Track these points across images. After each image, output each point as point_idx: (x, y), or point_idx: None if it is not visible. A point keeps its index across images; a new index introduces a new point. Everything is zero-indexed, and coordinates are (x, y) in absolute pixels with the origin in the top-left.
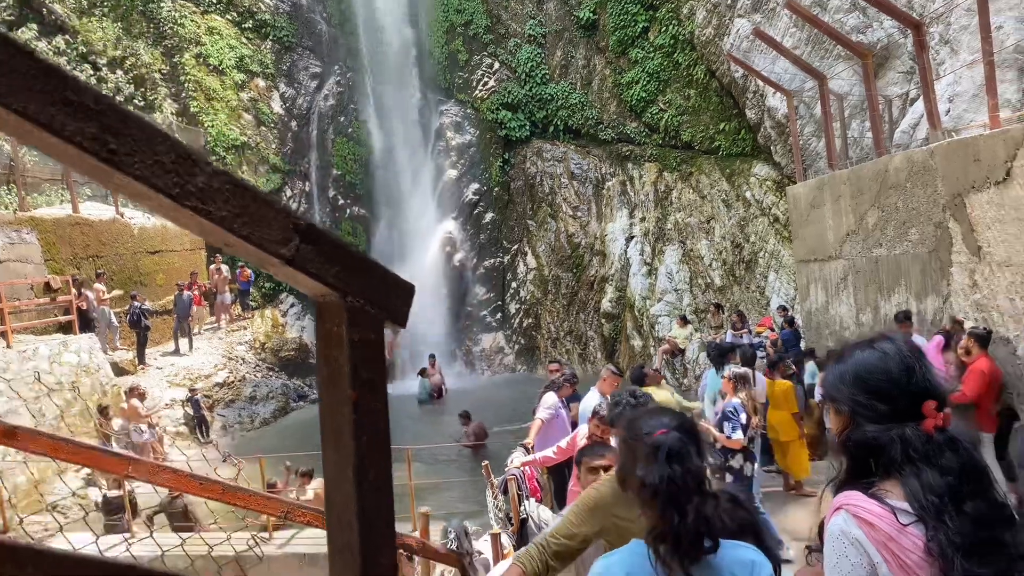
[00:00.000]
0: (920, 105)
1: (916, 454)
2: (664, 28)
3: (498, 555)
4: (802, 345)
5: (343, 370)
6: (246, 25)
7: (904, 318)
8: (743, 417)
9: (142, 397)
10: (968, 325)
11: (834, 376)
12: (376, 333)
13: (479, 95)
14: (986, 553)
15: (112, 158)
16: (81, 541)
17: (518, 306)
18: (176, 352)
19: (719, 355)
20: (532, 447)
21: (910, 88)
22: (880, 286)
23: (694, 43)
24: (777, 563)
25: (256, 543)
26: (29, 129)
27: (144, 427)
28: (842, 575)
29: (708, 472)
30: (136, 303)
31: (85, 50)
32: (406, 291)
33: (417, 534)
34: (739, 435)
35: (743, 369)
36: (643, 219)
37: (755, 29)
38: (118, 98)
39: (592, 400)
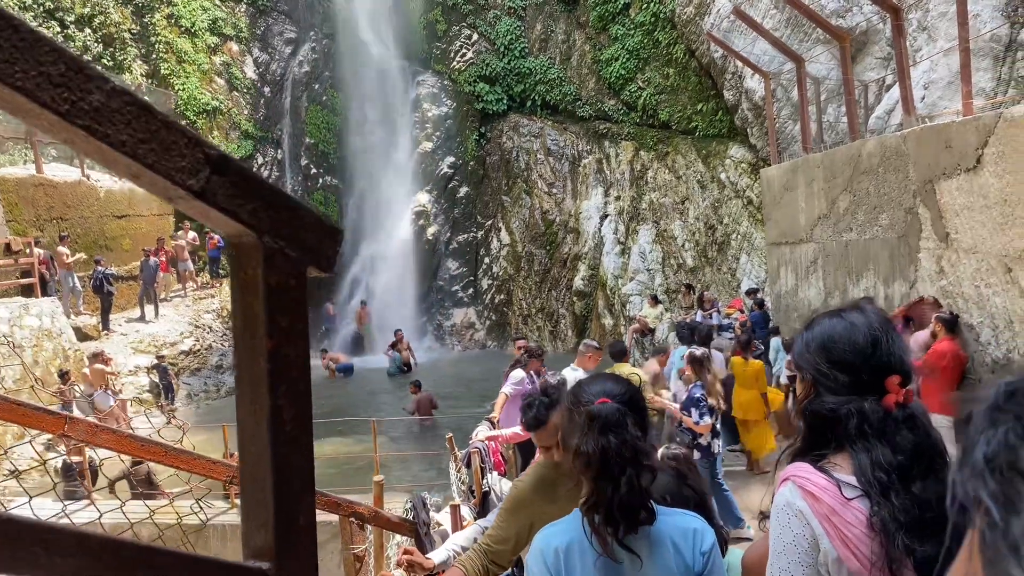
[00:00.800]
0: (896, 91)
1: (871, 429)
2: (645, 5)
3: (457, 526)
4: (770, 325)
5: (259, 318)
6: None
7: (866, 304)
8: (711, 401)
9: (106, 362)
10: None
11: (801, 343)
12: (296, 278)
13: (457, 66)
14: (930, 531)
15: None
16: (33, 507)
17: (490, 282)
18: (141, 319)
19: (691, 334)
20: (497, 421)
21: (886, 74)
22: (849, 270)
23: (675, 22)
24: (723, 537)
25: (200, 508)
26: None
27: (110, 392)
28: (785, 545)
29: (650, 444)
30: (100, 268)
31: (52, 6)
32: (332, 233)
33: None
34: (707, 420)
35: (701, 349)
36: (618, 198)
37: (735, 9)
38: (86, 57)
39: (574, 376)
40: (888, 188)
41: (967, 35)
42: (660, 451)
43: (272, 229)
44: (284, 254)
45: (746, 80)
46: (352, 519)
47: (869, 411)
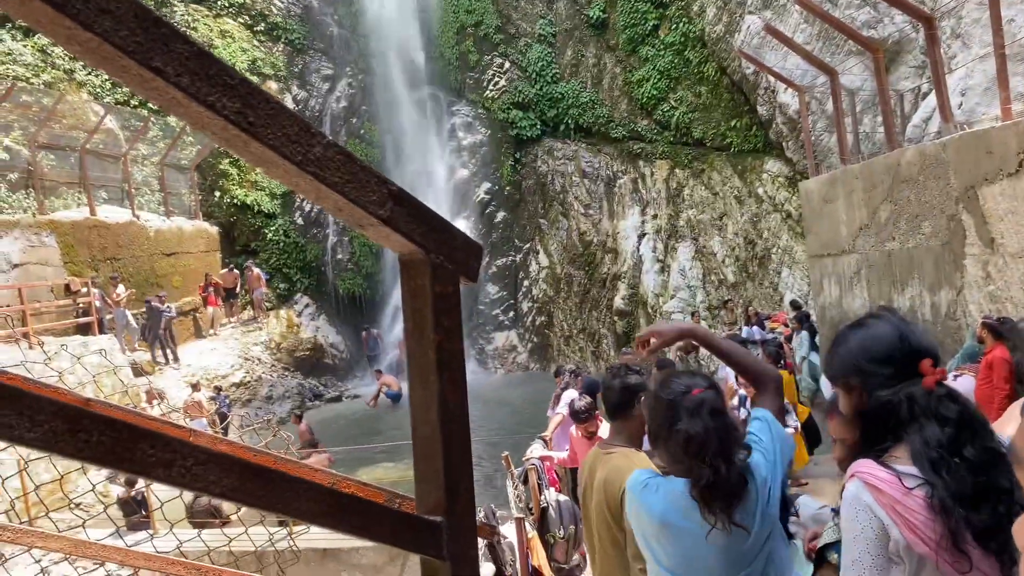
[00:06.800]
0: (932, 99)
1: (920, 409)
2: (674, 26)
3: (523, 539)
4: (817, 340)
5: (427, 319)
6: (258, 28)
7: (882, 311)
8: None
9: (196, 388)
10: (981, 316)
11: (838, 356)
12: (453, 286)
13: (490, 95)
14: (982, 499)
15: (251, 129)
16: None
17: (530, 304)
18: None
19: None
20: (550, 440)
21: (922, 83)
22: (893, 280)
23: (704, 40)
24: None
25: (287, 538)
26: (184, 102)
27: (205, 422)
28: (855, 535)
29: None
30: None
31: None
32: (477, 250)
33: None
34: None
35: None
36: (655, 216)
37: (766, 25)
38: (131, 100)
39: None
40: (929, 196)
41: (1002, 41)
42: None
43: (436, 248)
44: (444, 267)
45: (779, 95)
46: None
47: (917, 393)
